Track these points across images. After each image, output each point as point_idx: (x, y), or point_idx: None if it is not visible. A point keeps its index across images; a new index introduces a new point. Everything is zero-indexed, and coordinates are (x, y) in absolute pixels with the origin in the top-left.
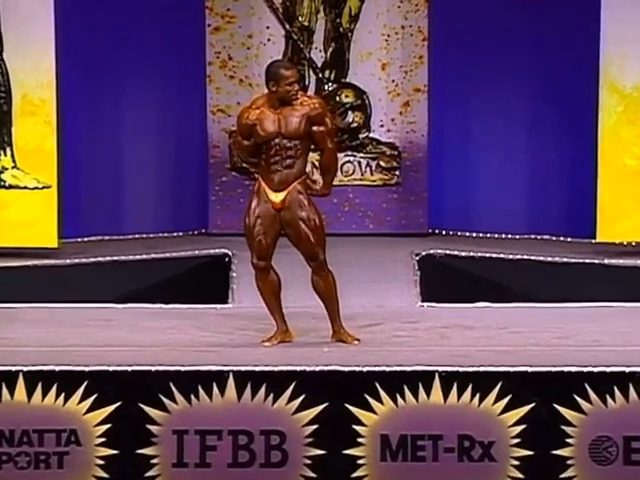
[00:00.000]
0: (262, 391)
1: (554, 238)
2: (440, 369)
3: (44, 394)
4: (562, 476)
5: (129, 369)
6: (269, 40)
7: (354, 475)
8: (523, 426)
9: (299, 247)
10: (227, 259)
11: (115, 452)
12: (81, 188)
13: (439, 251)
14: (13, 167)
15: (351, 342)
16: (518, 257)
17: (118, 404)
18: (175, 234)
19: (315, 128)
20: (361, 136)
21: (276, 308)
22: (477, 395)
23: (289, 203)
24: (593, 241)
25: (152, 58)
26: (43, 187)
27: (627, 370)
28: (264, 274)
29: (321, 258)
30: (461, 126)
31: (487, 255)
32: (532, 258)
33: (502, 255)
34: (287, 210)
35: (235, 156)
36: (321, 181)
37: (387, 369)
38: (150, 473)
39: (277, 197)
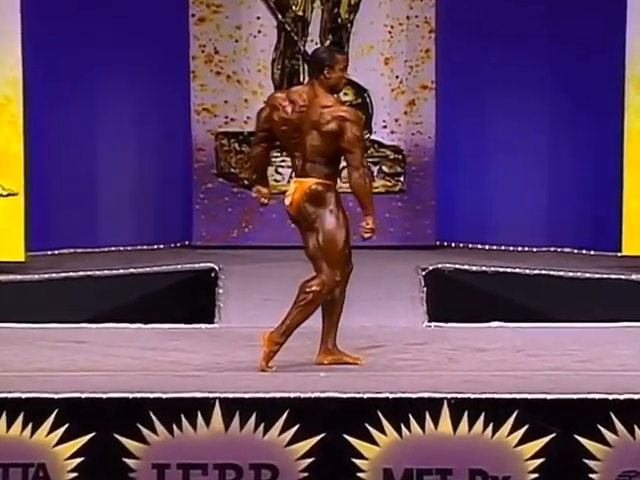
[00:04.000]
0: (252, 420)
1: (576, 251)
2: (449, 396)
3: (9, 424)
4: None
5: (104, 396)
6: (259, 32)
7: None
8: (541, 459)
9: None
10: (213, 274)
11: None
12: (51, 196)
13: (448, 265)
14: None
15: (354, 361)
16: (536, 272)
17: (92, 435)
18: (156, 247)
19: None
20: None
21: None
22: (490, 425)
23: None
24: (619, 255)
25: (129, 52)
26: (8, 194)
27: None
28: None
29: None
30: (472, 127)
31: (501, 270)
32: (551, 273)
33: (518, 270)
34: None
35: (222, 160)
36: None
37: (390, 396)
38: None
39: None
